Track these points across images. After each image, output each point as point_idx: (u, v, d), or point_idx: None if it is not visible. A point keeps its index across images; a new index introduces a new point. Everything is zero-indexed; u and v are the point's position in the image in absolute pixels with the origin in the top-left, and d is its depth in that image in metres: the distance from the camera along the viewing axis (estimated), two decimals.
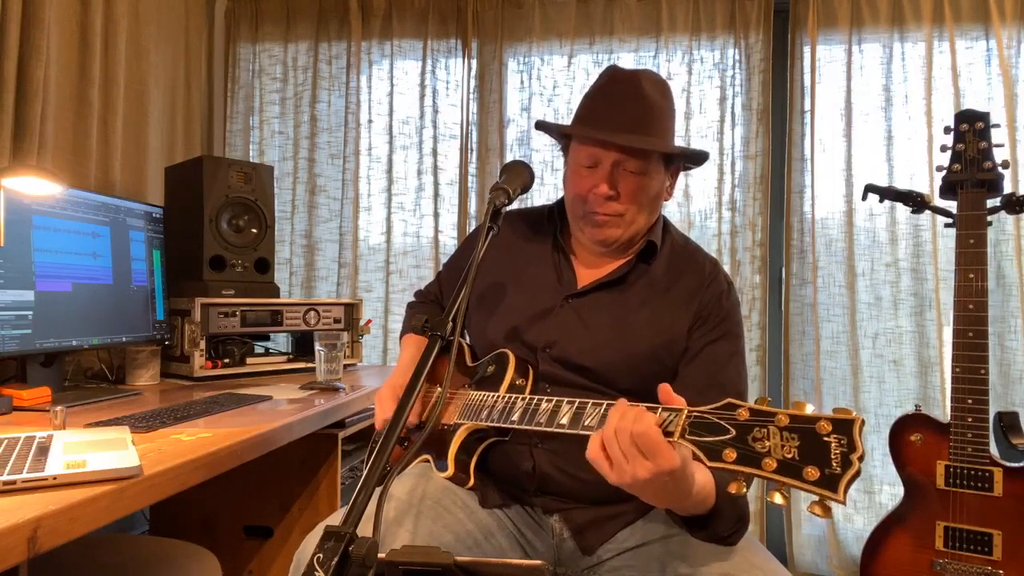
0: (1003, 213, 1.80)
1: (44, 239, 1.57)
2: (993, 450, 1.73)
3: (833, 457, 0.68)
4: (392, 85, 2.66)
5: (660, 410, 0.84)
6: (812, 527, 2.46)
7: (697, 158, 1.26)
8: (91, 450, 1.03)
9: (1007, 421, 1.81)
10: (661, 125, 1.17)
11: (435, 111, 2.64)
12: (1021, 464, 1.68)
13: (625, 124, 1.14)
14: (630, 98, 1.16)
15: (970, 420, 1.70)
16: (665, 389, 0.87)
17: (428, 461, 1.22)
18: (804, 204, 2.46)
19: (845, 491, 0.66)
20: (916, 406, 1.84)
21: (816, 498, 0.68)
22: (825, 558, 2.42)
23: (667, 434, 0.80)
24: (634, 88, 1.16)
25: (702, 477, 0.92)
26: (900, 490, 1.82)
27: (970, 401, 1.70)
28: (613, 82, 1.20)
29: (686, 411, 0.81)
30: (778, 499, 0.71)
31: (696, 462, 0.83)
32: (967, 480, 1.70)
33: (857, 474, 0.66)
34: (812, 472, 0.68)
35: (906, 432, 1.79)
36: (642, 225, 1.21)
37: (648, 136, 1.15)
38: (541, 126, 1.28)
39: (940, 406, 2.28)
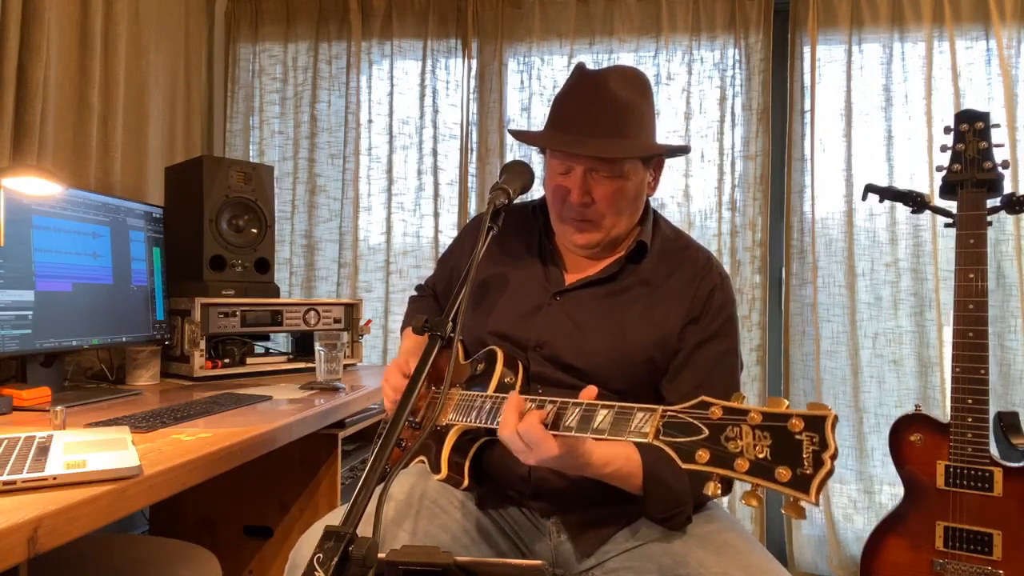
0: (1003, 213, 1.80)
1: (44, 239, 1.57)
2: (993, 450, 1.73)
3: (805, 456, 0.66)
4: (392, 85, 2.66)
5: (635, 410, 0.83)
6: (812, 527, 2.46)
7: (677, 150, 1.24)
8: (91, 450, 1.03)
9: (1007, 421, 1.82)
10: (635, 123, 1.13)
11: (435, 111, 2.64)
12: (1021, 464, 1.68)
13: (594, 129, 1.10)
14: (597, 101, 1.11)
15: (970, 420, 1.70)
16: (588, 392, 0.92)
17: (424, 462, 1.22)
18: (804, 204, 2.46)
19: (817, 492, 0.64)
20: (916, 406, 1.84)
21: (790, 499, 0.66)
22: (825, 558, 2.42)
23: (641, 435, 0.80)
24: (602, 90, 1.12)
25: (608, 454, 0.99)
26: (900, 490, 1.82)
27: (970, 401, 1.70)
28: (580, 85, 1.15)
29: (660, 410, 0.80)
30: (753, 502, 0.70)
31: (606, 441, 0.91)
32: (967, 480, 1.70)
33: (830, 473, 0.64)
34: (784, 473, 0.66)
35: (906, 432, 1.79)
36: (624, 227, 1.19)
37: (620, 138, 1.11)
38: (514, 135, 1.28)
39: (940, 406, 2.28)
